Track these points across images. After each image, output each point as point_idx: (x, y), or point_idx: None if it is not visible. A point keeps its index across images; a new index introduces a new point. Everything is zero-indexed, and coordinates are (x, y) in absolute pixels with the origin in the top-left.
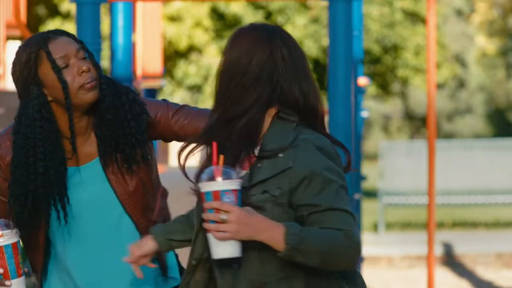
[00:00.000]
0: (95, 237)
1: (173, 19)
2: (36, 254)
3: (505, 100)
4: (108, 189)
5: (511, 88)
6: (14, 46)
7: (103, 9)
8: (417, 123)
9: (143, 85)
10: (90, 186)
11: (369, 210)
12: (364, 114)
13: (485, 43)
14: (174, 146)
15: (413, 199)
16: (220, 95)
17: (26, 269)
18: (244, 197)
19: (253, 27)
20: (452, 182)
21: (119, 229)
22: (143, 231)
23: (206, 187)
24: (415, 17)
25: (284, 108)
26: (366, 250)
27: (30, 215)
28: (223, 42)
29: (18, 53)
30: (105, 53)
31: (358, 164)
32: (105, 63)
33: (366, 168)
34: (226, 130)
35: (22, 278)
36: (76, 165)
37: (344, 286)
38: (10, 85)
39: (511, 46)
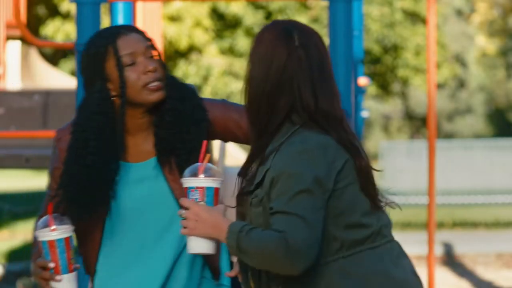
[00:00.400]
0: (146, 235)
1: (173, 19)
2: (91, 252)
3: (505, 100)
4: (164, 188)
5: (511, 88)
6: (14, 46)
7: (103, 9)
8: (417, 123)
9: None
10: (147, 183)
11: None
12: (364, 114)
13: (485, 43)
14: None
15: (413, 199)
16: (251, 110)
17: (78, 265)
18: (242, 201)
19: (272, 26)
20: (452, 182)
21: (170, 229)
22: None
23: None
24: (415, 17)
25: (298, 111)
26: None
27: (81, 209)
28: (223, 42)
29: (88, 45)
30: None
31: None
32: None
33: None
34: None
35: (73, 274)
36: (134, 161)
37: (340, 282)
38: (10, 85)
39: (511, 46)
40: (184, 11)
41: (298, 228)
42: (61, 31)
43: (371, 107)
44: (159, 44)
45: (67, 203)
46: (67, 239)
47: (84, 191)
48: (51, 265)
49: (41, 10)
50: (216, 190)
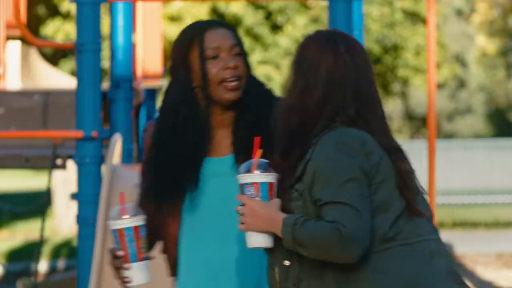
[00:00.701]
0: (216, 232)
1: (173, 19)
2: (170, 247)
3: (505, 100)
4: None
5: (511, 88)
6: (14, 46)
7: (103, 9)
8: (417, 123)
9: (143, 85)
10: (222, 179)
11: None
12: None
13: (485, 43)
14: None
15: None
16: (301, 112)
17: (150, 256)
18: (283, 195)
19: (315, 35)
20: (452, 182)
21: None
22: None
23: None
24: (415, 17)
25: (342, 116)
26: None
27: (159, 198)
28: None
29: (179, 34)
30: (105, 53)
31: None
32: (105, 63)
33: None
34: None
35: (143, 263)
36: (213, 155)
37: (370, 277)
38: (10, 85)
39: (511, 46)
40: (184, 11)
41: (349, 217)
42: (61, 31)
43: None
44: (160, 44)
45: (147, 192)
46: (136, 228)
47: (166, 180)
48: (120, 253)
49: (41, 10)
50: (271, 184)
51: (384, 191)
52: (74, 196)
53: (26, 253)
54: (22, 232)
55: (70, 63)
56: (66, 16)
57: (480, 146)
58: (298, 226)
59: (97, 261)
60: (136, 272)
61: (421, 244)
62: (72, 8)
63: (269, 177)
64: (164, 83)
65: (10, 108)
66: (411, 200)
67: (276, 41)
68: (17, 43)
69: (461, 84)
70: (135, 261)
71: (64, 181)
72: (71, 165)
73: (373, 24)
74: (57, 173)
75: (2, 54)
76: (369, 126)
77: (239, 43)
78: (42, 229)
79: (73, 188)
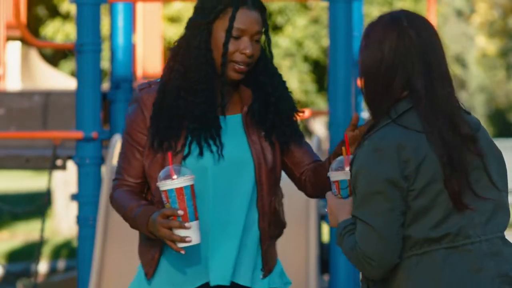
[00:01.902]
0: (222, 191)
1: (173, 20)
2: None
3: (505, 101)
4: (245, 145)
5: (511, 88)
6: (14, 46)
7: (103, 10)
8: None
9: None
10: (230, 136)
11: None
12: (364, 114)
13: (485, 44)
14: None
15: None
16: (369, 97)
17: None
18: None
19: (378, 18)
20: None
21: (243, 190)
22: (261, 201)
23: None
24: None
25: (409, 92)
26: None
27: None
28: None
29: None
30: (105, 53)
31: None
32: (105, 63)
33: None
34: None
35: (198, 222)
36: (222, 114)
37: (410, 280)
38: (10, 85)
39: (511, 47)
40: (184, 12)
41: (365, 237)
42: (61, 32)
43: None
44: (160, 45)
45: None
46: (192, 186)
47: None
48: (180, 212)
49: (41, 10)
50: (349, 181)
51: (428, 194)
52: (74, 197)
53: (26, 253)
54: (22, 233)
55: (70, 64)
56: (66, 16)
57: None
58: (342, 236)
59: (97, 262)
60: (195, 231)
61: (467, 247)
62: (72, 8)
63: (348, 175)
64: None
65: (10, 108)
66: (458, 194)
67: (276, 42)
68: (17, 44)
69: (461, 84)
70: (193, 220)
71: (64, 181)
72: (71, 165)
73: None
74: (57, 174)
75: (2, 54)
76: (432, 109)
77: (264, 29)
78: (42, 229)
79: (73, 188)
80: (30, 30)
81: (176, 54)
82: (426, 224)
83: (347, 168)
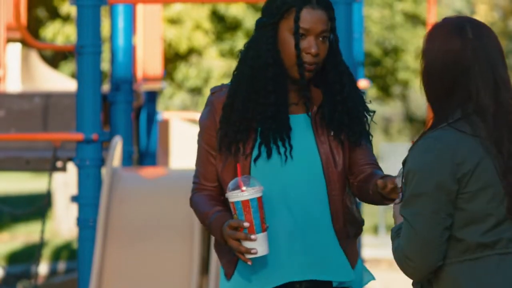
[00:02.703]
0: (293, 192)
1: (173, 21)
2: None
3: None
4: (312, 143)
5: None
6: (14, 48)
7: (104, 11)
8: (417, 125)
9: (143, 87)
10: (299, 136)
11: (369, 213)
12: None
13: None
14: (174, 148)
15: None
16: (431, 100)
17: (267, 225)
18: None
19: (443, 22)
20: None
21: (314, 190)
22: (332, 202)
23: None
24: (415, 20)
25: (469, 103)
26: (367, 252)
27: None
28: (223, 45)
29: None
30: (106, 55)
31: None
32: (105, 65)
33: None
34: None
35: (266, 234)
36: (292, 113)
37: (461, 285)
38: (10, 87)
39: (511, 48)
40: (184, 13)
41: (410, 239)
42: (61, 34)
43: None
44: (160, 47)
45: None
46: (260, 199)
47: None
48: (246, 224)
49: (41, 12)
50: None
51: (481, 199)
52: (74, 199)
53: (27, 255)
54: (22, 235)
55: (70, 66)
56: (66, 18)
57: None
58: (393, 238)
59: (97, 263)
60: (261, 242)
61: None
62: (72, 10)
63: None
64: (164, 85)
65: (10, 110)
66: (510, 202)
67: None
68: (18, 46)
69: None
70: (259, 232)
71: (64, 183)
72: (71, 167)
73: (373, 27)
74: (57, 176)
75: (2, 56)
76: (493, 117)
77: (331, 27)
78: (42, 231)
79: (73, 190)
80: (30, 32)
81: (245, 57)
82: (478, 229)
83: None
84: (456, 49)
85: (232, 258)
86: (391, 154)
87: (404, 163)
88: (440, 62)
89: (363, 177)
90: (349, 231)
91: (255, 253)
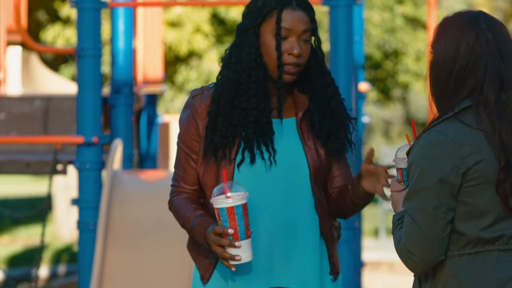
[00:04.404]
0: (277, 196)
1: (174, 24)
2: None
3: None
4: (299, 148)
5: None
6: (14, 51)
7: (104, 14)
8: (418, 128)
9: (143, 90)
10: (286, 140)
11: (370, 216)
12: (365, 119)
13: None
14: (175, 152)
15: None
16: (437, 92)
17: (251, 231)
18: None
19: (456, 14)
20: None
21: (300, 194)
22: (319, 205)
23: None
24: (416, 23)
25: (478, 94)
26: (367, 255)
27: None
28: (224, 48)
29: None
30: (106, 58)
31: (359, 169)
32: (105, 68)
33: None
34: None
35: (249, 240)
36: (278, 117)
37: (460, 278)
38: (10, 90)
39: None
40: (184, 16)
41: (412, 234)
42: (62, 36)
43: (372, 113)
44: (160, 50)
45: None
46: (244, 205)
47: (245, 144)
48: (230, 231)
49: (42, 15)
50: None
51: (483, 194)
52: (74, 202)
53: (27, 258)
54: (23, 238)
55: (70, 69)
56: (66, 21)
57: None
58: (395, 227)
59: (98, 267)
60: (244, 249)
61: None
62: (72, 13)
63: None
64: (165, 88)
65: (10, 113)
66: (507, 199)
67: None
68: (18, 49)
69: None
70: (244, 239)
71: (64, 186)
72: (71, 170)
73: (373, 29)
74: (57, 179)
75: (2, 59)
76: (497, 111)
77: (312, 28)
78: (43, 234)
79: (74, 193)
80: (30, 35)
81: (228, 62)
82: (479, 224)
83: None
84: (470, 39)
85: (210, 262)
86: (391, 157)
87: (408, 153)
88: (453, 52)
89: (339, 186)
90: (333, 234)
91: (239, 260)
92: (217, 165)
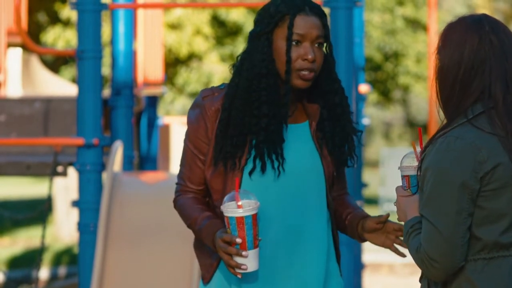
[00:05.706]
0: (288, 202)
1: (174, 26)
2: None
3: None
4: (314, 154)
5: None
6: (14, 53)
7: (104, 16)
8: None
9: (144, 92)
10: (299, 145)
11: None
12: (365, 121)
13: None
14: (175, 153)
15: None
16: (444, 97)
17: (260, 238)
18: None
19: (459, 19)
20: None
21: (313, 197)
22: (332, 211)
23: None
24: (416, 24)
25: (486, 97)
26: (368, 257)
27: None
28: (224, 50)
29: (272, 2)
30: (106, 60)
31: (359, 171)
32: (106, 70)
33: (367, 175)
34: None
35: (257, 250)
36: (289, 123)
37: (474, 282)
38: (11, 92)
39: None
40: (184, 18)
41: (433, 240)
42: (62, 38)
43: (372, 114)
44: (160, 51)
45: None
46: (254, 216)
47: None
48: (238, 240)
49: (42, 17)
50: None
51: (501, 198)
52: (75, 203)
53: (27, 260)
54: (23, 239)
55: (71, 70)
56: (66, 23)
57: None
58: (409, 234)
59: (98, 268)
60: (251, 259)
61: None
62: (72, 15)
63: (414, 169)
64: (165, 90)
65: (11, 115)
66: None
67: None
68: (18, 50)
69: None
70: (251, 248)
71: (65, 188)
72: (72, 172)
73: (374, 31)
74: (58, 180)
75: (3, 61)
76: (509, 116)
77: (325, 33)
78: (43, 236)
79: (74, 195)
80: (31, 37)
81: (240, 69)
82: (497, 228)
83: (410, 164)
84: (474, 42)
85: (212, 263)
86: (391, 159)
87: (421, 160)
88: (458, 56)
89: (338, 201)
90: (339, 238)
91: (245, 269)
92: (225, 171)
